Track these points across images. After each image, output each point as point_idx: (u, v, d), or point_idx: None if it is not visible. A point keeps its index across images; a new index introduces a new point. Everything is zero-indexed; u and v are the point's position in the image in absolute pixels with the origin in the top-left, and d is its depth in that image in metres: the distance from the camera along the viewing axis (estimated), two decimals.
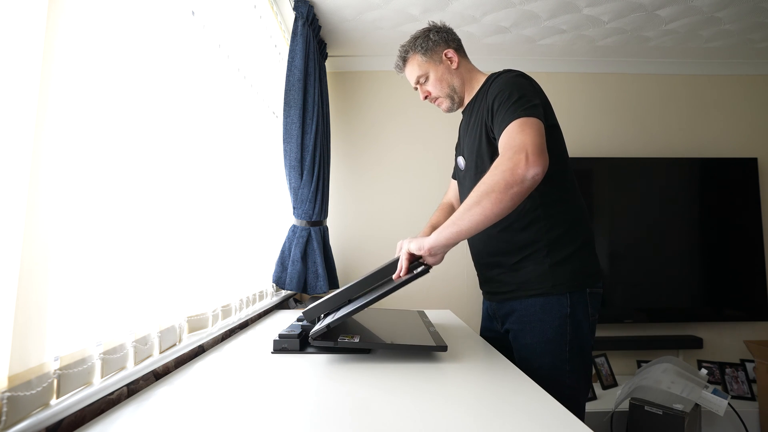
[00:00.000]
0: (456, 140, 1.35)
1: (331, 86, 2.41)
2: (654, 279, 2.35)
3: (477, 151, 1.11)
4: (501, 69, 1.13)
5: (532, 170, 0.86)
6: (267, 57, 1.72)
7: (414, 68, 1.20)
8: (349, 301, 0.98)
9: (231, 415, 0.58)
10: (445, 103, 1.20)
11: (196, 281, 0.96)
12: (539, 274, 1.03)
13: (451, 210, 1.35)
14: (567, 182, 1.08)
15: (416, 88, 1.24)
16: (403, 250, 0.97)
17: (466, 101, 1.21)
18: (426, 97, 1.22)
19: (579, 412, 1.05)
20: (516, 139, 0.91)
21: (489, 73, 1.18)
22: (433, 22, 1.23)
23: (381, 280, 0.99)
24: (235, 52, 1.32)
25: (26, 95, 0.51)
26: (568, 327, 1.01)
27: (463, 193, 1.21)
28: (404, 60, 1.21)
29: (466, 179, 1.18)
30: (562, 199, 1.06)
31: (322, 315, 1.00)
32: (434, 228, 1.31)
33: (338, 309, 0.96)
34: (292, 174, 1.75)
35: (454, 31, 1.22)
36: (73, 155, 0.59)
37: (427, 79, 1.19)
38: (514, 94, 0.99)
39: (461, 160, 1.21)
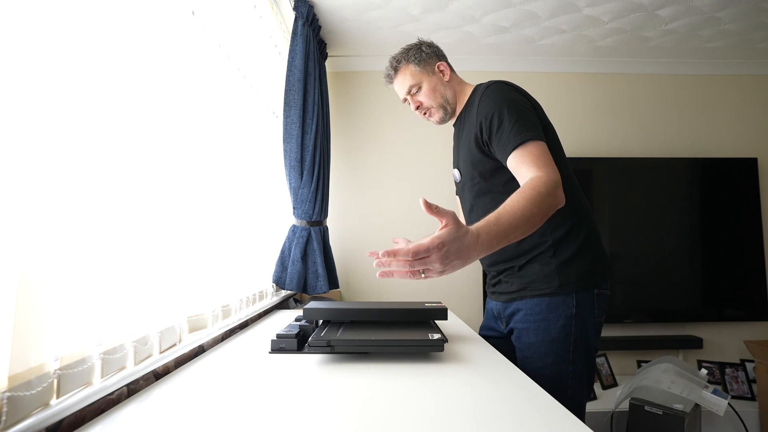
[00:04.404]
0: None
1: (331, 86, 2.41)
2: (654, 279, 2.35)
3: (471, 163, 1.11)
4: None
5: (561, 203, 0.90)
6: (267, 57, 1.72)
7: (407, 78, 1.18)
8: (352, 322, 0.98)
9: (230, 415, 0.58)
10: (438, 114, 1.19)
11: (196, 281, 0.96)
12: (546, 274, 1.03)
13: None
14: (567, 181, 1.07)
15: (405, 100, 1.22)
16: (444, 245, 0.71)
17: (458, 113, 1.20)
18: (417, 108, 1.20)
19: (580, 414, 1.05)
20: (549, 165, 0.92)
21: (475, 85, 1.18)
22: (421, 38, 1.23)
23: (395, 318, 0.98)
24: (235, 52, 1.32)
25: (26, 95, 0.51)
26: (573, 327, 1.01)
27: (464, 205, 1.22)
28: (396, 69, 1.19)
29: (465, 191, 1.19)
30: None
31: (321, 321, 1.00)
32: None
33: (340, 324, 0.96)
34: (292, 174, 1.75)
35: (440, 47, 1.23)
36: (73, 155, 0.59)
37: (419, 89, 1.17)
38: (512, 113, 0.99)
39: (456, 173, 1.21)
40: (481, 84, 1.13)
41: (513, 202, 0.82)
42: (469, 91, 1.18)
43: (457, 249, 0.72)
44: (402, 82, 1.19)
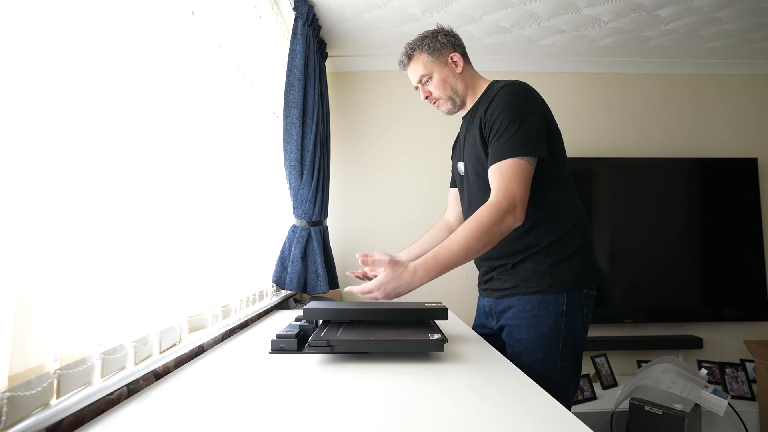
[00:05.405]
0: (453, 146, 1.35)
1: (331, 86, 2.41)
2: (654, 279, 2.35)
3: (476, 157, 1.12)
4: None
5: (517, 223, 0.98)
6: (267, 57, 1.72)
7: (419, 67, 1.19)
8: (352, 322, 0.98)
9: (230, 415, 0.58)
10: (446, 105, 1.20)
11: (196, 281, 0.96)
12: (539, 273, 1.06)
13: (447, 232, 1.34)
14: (567, 187, 1.11)
15: (417, 88, 1.23)
16: (381, 286, 0.95)
17: (469, 106, 1.21)
18: (427, 97, 1.21)
19: (566, 407, 1.07)
20: (510, 188, 0.98)
21: (491, 80, 1.18)
22: (440, 25, 1.23)
23: (395, 318, 0.99)
24: (235, 52, 1.32)
25: (25, 95, 0.51)
26: (563, 325, 1.04)
27: (464, 199, 1.22)
28: (409, 57, 1.20)
29: (467, 185, 1.19)
30: (563, 203, 1.09)
31: (321, 321, 1.00)
32: (425, 248, 1.32)
33: (340, 324, 0.96)
34: (292, 174, 1.75)
35: (459, 36, 1.22)
36: (73, 155, 0.59)
37: (430, 79, 1.18)
38: (515, 122, 1.01)
39: (461, 166, 1.22)
40: (498, 81, 1.14)
41: (454, 238, 0.95)
42: (483, 86, 1.18)
43: (394, 286, 0.94)
44: (414, 71, 1.20)
